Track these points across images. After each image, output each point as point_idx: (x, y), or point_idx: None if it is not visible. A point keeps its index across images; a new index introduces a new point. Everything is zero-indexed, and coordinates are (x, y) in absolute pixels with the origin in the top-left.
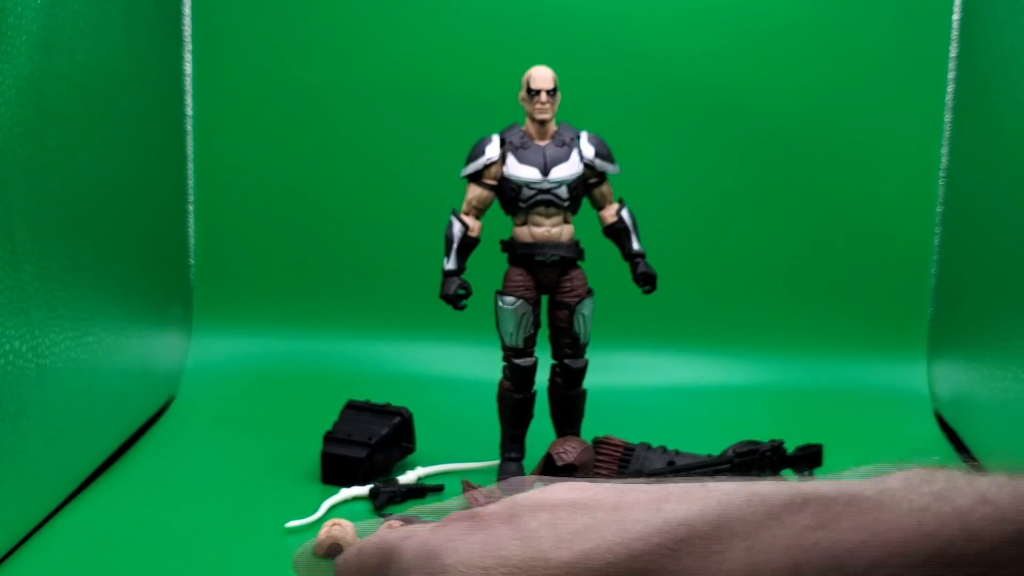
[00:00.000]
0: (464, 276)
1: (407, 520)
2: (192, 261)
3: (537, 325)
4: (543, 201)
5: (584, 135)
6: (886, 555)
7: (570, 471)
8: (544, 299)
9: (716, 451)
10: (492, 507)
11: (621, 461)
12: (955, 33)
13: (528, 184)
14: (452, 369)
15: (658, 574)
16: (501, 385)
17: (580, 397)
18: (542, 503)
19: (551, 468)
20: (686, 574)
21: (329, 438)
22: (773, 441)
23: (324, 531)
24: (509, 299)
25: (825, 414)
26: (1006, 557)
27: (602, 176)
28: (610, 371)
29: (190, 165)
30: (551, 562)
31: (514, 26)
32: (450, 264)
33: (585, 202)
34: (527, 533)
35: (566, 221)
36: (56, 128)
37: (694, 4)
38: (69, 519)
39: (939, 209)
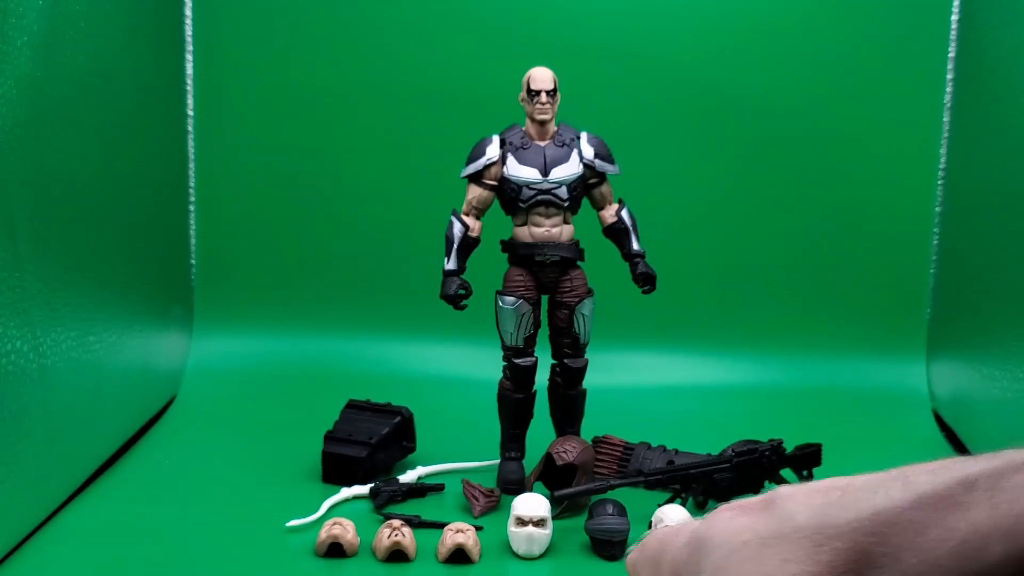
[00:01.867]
0: (464, 276)
1: (407, 521)
2: (193, 261)
3: (537, 325)
4: (543, 201)
5: (584, 135)
6: None
7: (570, 471)
8: (544, 299)
9: (716, 451)
10: (754, 499)
11: (621, 460)
12: (954, 34)
13: (528, 184)
14: (452, 369)
15: (901, 526)
16: (501, 385)
17: (580, 397)
18: (798, 489)
19: (551, 468)
20: (928, 525)
21: (330, 437)
22: (772, 441)
23: (325, 530)
24: (509, 299)
25: (824, 414)
26: None
27: (602, 176)
28: (610, 371)
29: (191, 165)
30: (801, 527)
31: (514, 27)
32: (450, 264)
33: (585, 202)
34: (780, 511)
35: (566, 221)
36: (58, 128)
37: (694, 5)
38: (70, 518)
39: (938, 209)
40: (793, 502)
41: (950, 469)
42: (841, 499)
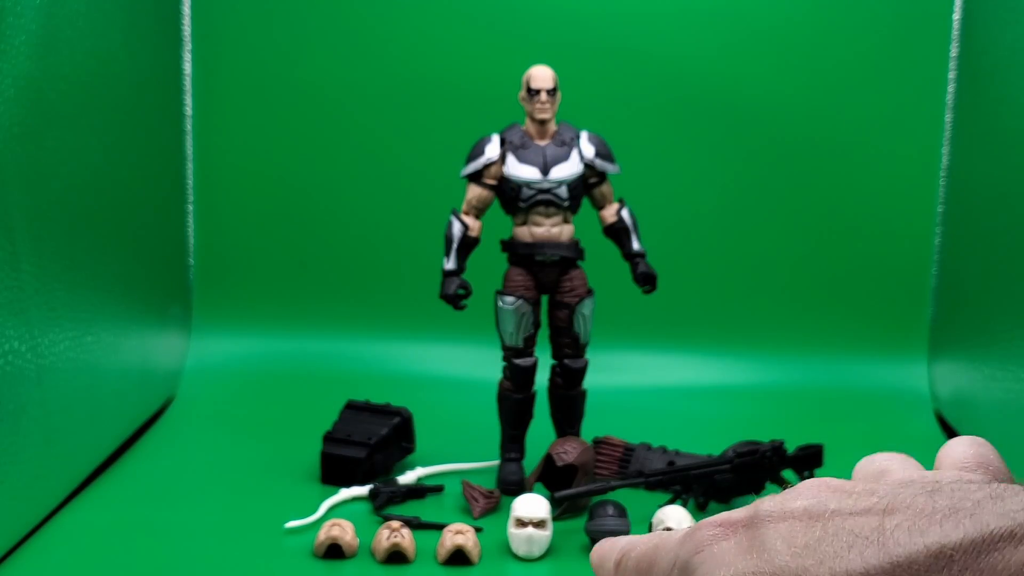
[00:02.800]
0: (464, 276)
1: (406, 522)
2: (191, 261)
3: (537, 325)
4: (543, 201)
5: (584, 135)
6: None
7: (570, 472)
8: (544, 299)
9: (716, 451)
10: (738, 513)
11: (621, 461)
12: (955, 33)
13: (528, 184)
14: (452, 369)
15: None
16: (501, 385)
17: (580, 397)
18: (780, 511)
19: (551, 468)
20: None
21: (329, 438)
22: (773, 441)
23: (324, 531)
24: (509, 299)
25: (826, 414)
26: None
27: (602, 176)
28: (610, 371)
29: (190, 165)
30: (780, 571)
31: (514, 26)
32: (450, 264)
33: (585, 202)
34: (762, 547)
35: (566, 221)
36: (55, 128)
37: (694, 4)
38: (69, 519)
39: (940, 209)
40: (775, 533)
41: (930, 531)
42: (819, 545)
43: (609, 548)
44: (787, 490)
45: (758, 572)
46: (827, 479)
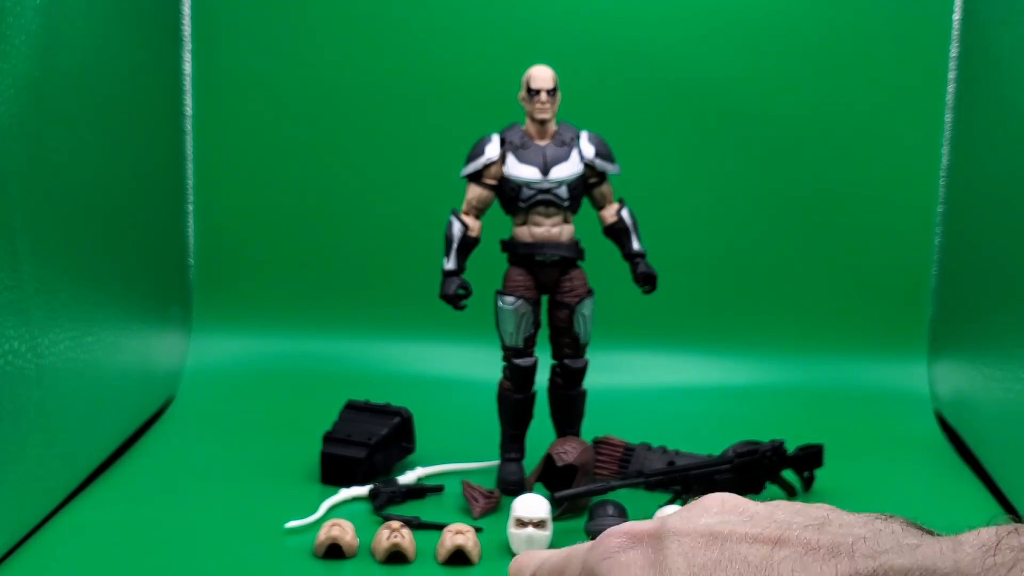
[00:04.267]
0: (464, 276)
1: (406, 522)
2: (191, 261)
3: (537, 325)
4: (543, 201)
5: (584, 135)
6: None
7: (570, 472)
8: (544, 299)
9: (716, 451)
10: (646, 524)
11: (621, 461)
12: (955, 33)
13: (528, 184)
14: (452, 369)
15: None
16: (501, 385)
17: (580, 397)
18: (686, 529)
19: (551, 468)
20: None
21: (329, 438)
22: (773, 441)
23: (324, 532)
24: (509, 299)
25: (825, 414)
26: None
27: (602, 176)
28: (610, 371)
29: (189, 165)
30: None
31: (514, 26)
32: (450, 264)
33: (585, 202)
34: (663, 565)
35: (566, 221)
36: (55, 128)
37: (695, 4)
38: (69, 519)
39: (940, 209)
40: (678, 548)
41: (811, 568)
42: (715, 568)
43: (527, 560)
44: (693, 504)
45: None
46: (732, 497)
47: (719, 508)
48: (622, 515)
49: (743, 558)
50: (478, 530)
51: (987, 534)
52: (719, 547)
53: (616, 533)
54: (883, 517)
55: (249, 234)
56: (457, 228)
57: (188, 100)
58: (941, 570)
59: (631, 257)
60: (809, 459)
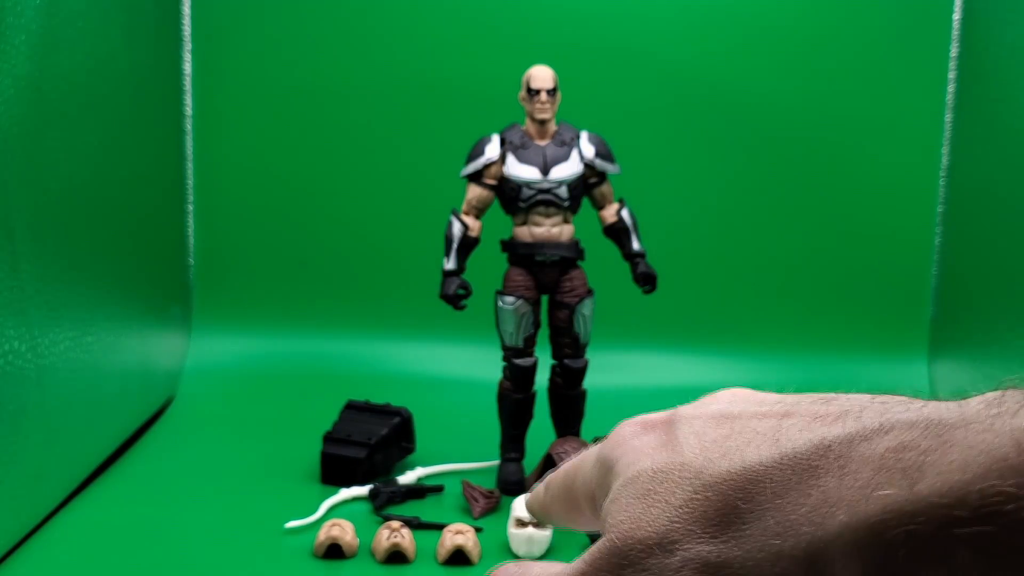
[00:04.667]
0: (464, 276)
1: (406, 522)
2: (191, 261)
3: (537, 325)
4: (543, 201)
5: (584, 135)
6: (983, 472)
7: None
8: (544, 299)
9: None
10: (659, 414)
11: None
12: (956, 33)
13: (528, 184)
14: (452, 369)
15: (764, 485)
16: (501, 385)
17: (580, 397)
18: (698, 412)
19: (551, 468)
20: (787, 487)
21: (329, 438)
22: None
23: (324, 532)
24: (509, 299)
25: None
26: None
27: (602, 176)
28: (610, 371)
29: (189, 165)
30: (686, 465)
31: (514, 26)
32: (450, 264)
33: (585, 202)
34: (674, 442)
35: (566, 221)
36: (55, 128)
37: (695, 4)
38: (69, 519)
39: (940, 209)
40: (689, 429)
41: (817, 430)
42: (726, 441)
43: (534, 492)
44: (705, 397)
45: (669, 463)
46: (743, 389)
47: (730, 398)
48: None
49: (752, 429)
50: (478, 530)
51: (992, 393)
52: (729, 424)
53: (629, 423)
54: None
55: (249, 234)
56: (457, 228)
57: (188, 100)
58: (947, 420)
59: (631, 257)
60: None
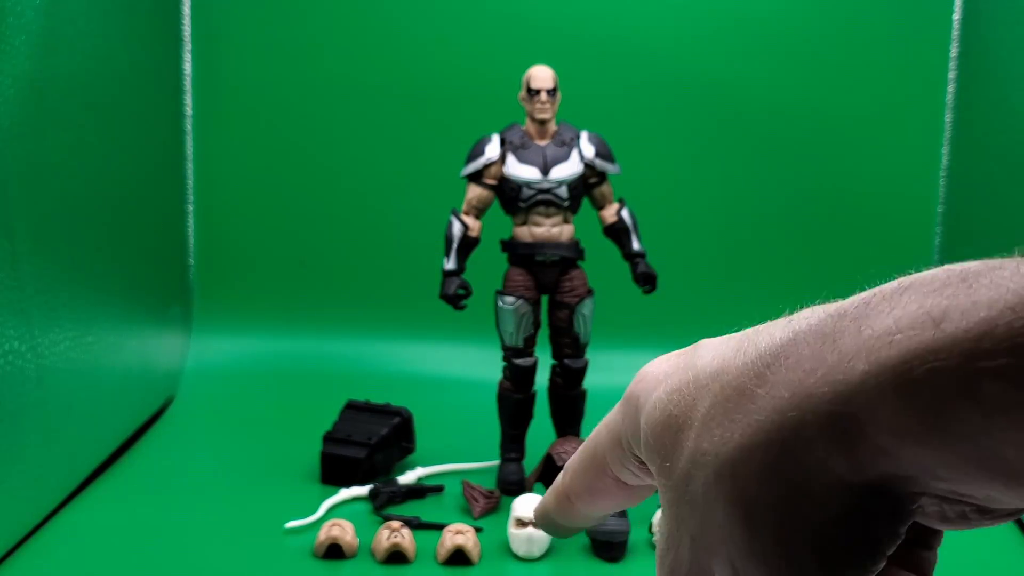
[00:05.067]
0: (464, 276)
1: (406, 522)
2: (191, 261)
3: (537, 325)
4: (543, 201)
5: (584, 135)
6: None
7: None
8: (544, 299)
9: None
10: (681, 350)
11: None
12: (956, 33)
13: (528, 184)
14: (452, 369)
15: (777, 364)
16: (501, 385)
17: (580, 397)
18: (719, 339)
19: (551, 468)
20: (801, 360)
21: (329, 438)
22: None
23: (324, 532)
24: (509, 299)
25: None
26: None
27: (602, 176)
28: (610, 371)
29: (189, 165)
30: (701, 370)
31: (514, 26)
32: (450, 264)
33: (585, 202)
34: (692, 356)
35: (566, 221)
36: (55, 128)
37: (695, 4)
38: (69, 519)
39: (940, 209)
40: (707, 348)
41: (831, 306)
42: (740, 342)
43: (542, 502)
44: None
45: (683, 382)
46: None
47: (744, 332)
48: (622, 515)
49: (766, 328)
50: (478, 530)
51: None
52: (744, 335)
53: (653, 362)
54: None
55: (249, 234)
56: (457, 228)
57: (188, 100)
58: (973, 269)
59: (631, 257)
60: None
